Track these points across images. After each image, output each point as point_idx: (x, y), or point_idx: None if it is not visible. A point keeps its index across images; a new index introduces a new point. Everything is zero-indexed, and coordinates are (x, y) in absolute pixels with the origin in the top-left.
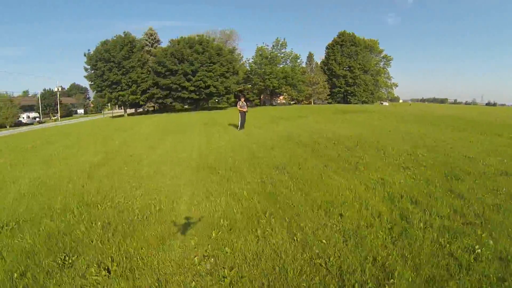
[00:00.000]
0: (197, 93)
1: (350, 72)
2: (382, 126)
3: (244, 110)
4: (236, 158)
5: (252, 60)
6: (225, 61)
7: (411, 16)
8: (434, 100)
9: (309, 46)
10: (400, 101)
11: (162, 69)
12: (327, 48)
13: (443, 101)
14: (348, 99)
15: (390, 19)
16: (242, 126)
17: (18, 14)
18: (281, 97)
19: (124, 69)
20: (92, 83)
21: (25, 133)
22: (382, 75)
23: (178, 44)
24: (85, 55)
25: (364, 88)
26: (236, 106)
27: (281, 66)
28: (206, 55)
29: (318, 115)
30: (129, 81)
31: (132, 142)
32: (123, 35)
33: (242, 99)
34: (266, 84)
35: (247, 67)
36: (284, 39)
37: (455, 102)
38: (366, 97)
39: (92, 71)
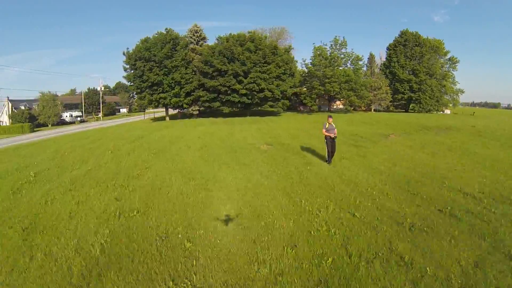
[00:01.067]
0: (249, 97)
1: (414, 76)
2: (503, 160)
3: (333, 135)
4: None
5: (310, 60)
6: (281, 61)
7: (457, 15)
8: (485, 105)
9: (363, 46)
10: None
11: (209, 69)
12: (388, 49)
13: (495, 105)
14: (412, 107)
15: (437, 17)
16: (329, 158)
17: (76, 16)
18: (338, 102)
19: (166, 69)
20: (131, 83)
21: (46, 141)
22: (449, 80)
23: (227, 41)
24: (124, 53)
25: (429, 95)
26: (322, 128)
27: (341, 68)
28: (260, 54)
29: (401, 132)
30: (172, 82)
31: (165, 188)
32: (164, 32)
33: (330, 120)
34: (326, 88)
35: (303, 68)
36: (343, 38)
37: (508, 107)
38: (432, 105)
39: (131, 71)
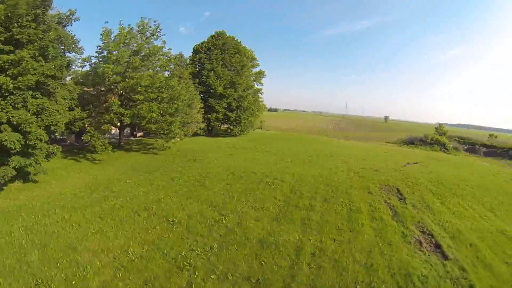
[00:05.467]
0: None
1: (234, 90)
2: None
3: None
4: None
5: (99, 52)
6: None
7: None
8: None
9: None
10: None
11: None
12: (197, 51)
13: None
14: (227, 130)
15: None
16: None
17: None
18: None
19: None
20: None
21: None
22: (260, 95)
23: None
24: None
25: (250, 114)
26: None
27: (146, 71)
28: None
29: None
30: None
31: None
32: None
33: None
34: (138, 112)
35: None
36: (157, 23)
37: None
38: (250, 126)
39: None
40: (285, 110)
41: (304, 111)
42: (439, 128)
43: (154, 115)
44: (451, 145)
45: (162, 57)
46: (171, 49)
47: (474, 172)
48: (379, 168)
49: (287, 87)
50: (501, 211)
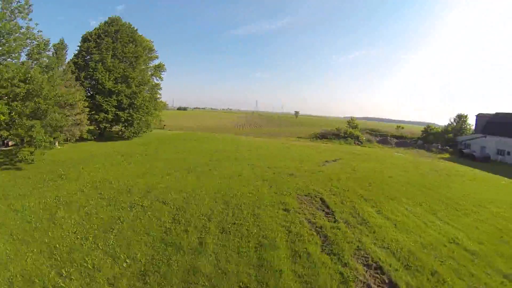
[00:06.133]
0: None
1: (126, 85)
2: None
3: None
4: None
5: None
6: None
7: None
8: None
9: None
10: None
11: None
12: (85, 40)
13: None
14: (122, 132)
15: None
16: None
17: None
18: None
19: None
20: None
21: None
22: (158, 91)
23: None
24: None
25: (144, 112)
26: None
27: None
28: None
29: None
30: None
31: None
32: None
33: None
34: None
35: None
36: None
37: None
38: (146, 126)
39: None
40: (195, 108)
41: (214, 109)
42: (351, 122)
43: (3, 117)
44: (364, 138)
45: (28, 41)
46: (41, 31)
47: (396, 166)
48: (295, 171)
49: (199, 86)
50: (441, 211)
